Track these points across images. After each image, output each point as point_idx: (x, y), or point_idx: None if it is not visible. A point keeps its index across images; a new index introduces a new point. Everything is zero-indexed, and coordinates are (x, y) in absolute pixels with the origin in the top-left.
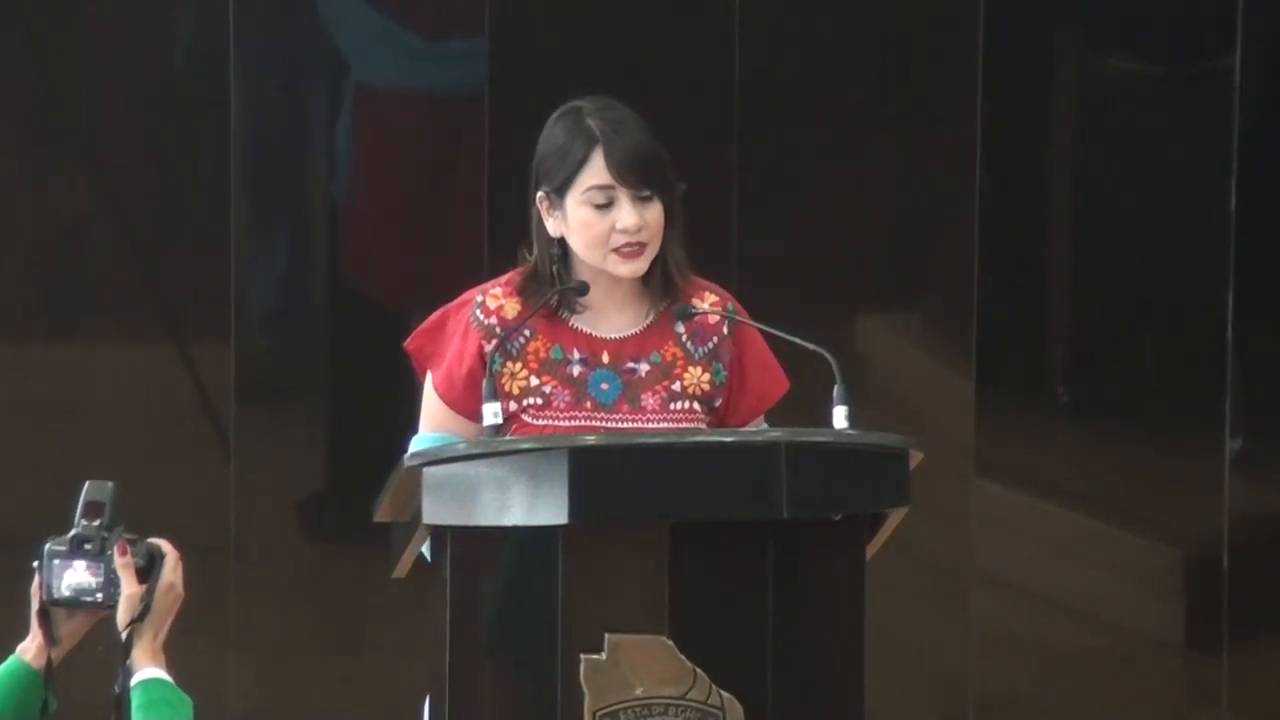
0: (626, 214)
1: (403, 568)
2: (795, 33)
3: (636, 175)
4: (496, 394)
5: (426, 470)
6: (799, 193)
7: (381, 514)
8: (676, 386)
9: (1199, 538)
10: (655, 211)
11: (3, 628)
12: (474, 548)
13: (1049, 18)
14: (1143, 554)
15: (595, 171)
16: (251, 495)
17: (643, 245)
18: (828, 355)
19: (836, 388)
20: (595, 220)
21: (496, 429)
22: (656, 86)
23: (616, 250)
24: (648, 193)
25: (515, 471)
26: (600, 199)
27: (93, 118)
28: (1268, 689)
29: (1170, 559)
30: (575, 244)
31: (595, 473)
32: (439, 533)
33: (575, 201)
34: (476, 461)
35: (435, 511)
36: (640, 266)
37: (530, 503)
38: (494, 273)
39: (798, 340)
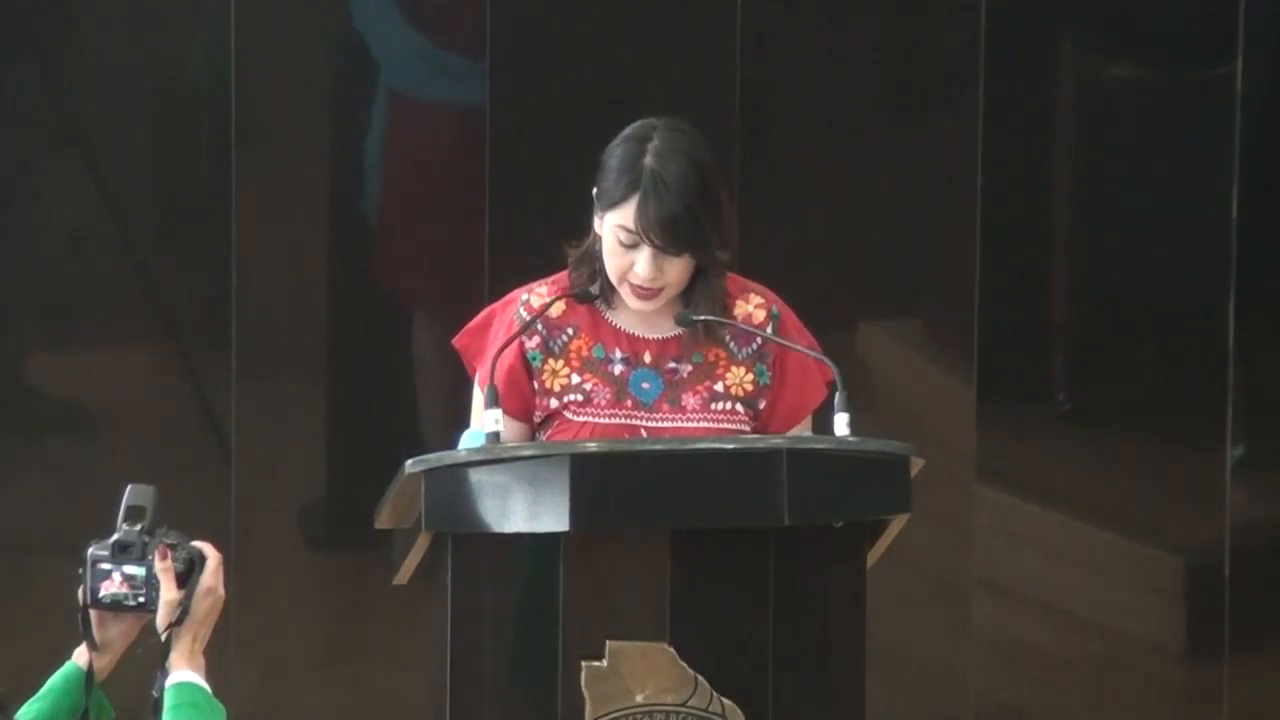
0: (643, 264)
1: (404, 575)
2: (795, 36)
3: (661, 239)
4: (498, 400)
5: (428, 477)
6: (799, 198)
7: (383, 521)
8: (719, 387)
9: (1200, 544)
10: (677, 266)
11: (3, 628)
12: (475, 555)
13: (1050, 24)
14: (1144, 561)
15: (626, 216)
16: (252, 502)
17: (656, 291)
18: (829, 362)
19: (838, 394)
20: (618, 253)
21: (497, 435)
22: (657, 89)
23: (632, 286)
24: (674, 251)
25: (516, 478)
26: (626, 239)
27: (93, 120)
28: (1269, 696)
29: (1172, 566)
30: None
31: (597, 480)
32: (440, 540)
33: (608, 226)
34: (478, 468)
35: (436, 518)
36: (651, 307)
37: (532, 510)
38: (494, 278)
39: (799, 347)
